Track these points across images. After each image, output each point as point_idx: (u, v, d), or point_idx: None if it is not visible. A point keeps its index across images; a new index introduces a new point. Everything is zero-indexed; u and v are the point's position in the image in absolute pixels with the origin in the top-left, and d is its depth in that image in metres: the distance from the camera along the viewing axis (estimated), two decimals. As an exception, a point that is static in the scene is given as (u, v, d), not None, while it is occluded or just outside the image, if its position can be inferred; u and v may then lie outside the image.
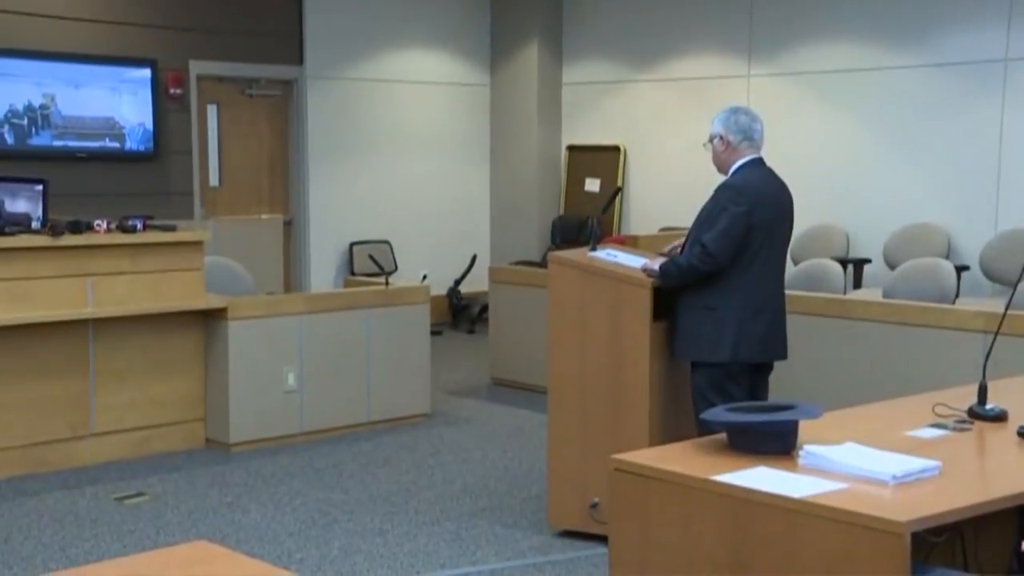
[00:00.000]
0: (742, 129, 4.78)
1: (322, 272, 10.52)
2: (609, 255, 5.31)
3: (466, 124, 11.49)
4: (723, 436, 3.38)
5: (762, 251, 4.79)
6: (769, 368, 5.00)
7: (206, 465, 6.50)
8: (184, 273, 6.61)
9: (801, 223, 9.19)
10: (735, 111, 4.84)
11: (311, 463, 6.57)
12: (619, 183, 10.90)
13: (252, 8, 10.01)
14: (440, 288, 10.66)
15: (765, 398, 4.89)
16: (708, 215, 4.81)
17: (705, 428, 3.78)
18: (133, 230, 6.47)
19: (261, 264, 9.38)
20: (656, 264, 4.97)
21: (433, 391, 7.70)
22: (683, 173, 10.26)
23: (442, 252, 11.15)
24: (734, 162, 4.80)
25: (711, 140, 4.86)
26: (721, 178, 4.92)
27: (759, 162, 4.84)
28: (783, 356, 4.96)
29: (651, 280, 4.97)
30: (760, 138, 4.83)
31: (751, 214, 4.70)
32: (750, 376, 4.89)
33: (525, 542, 5.27)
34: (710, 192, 4.92)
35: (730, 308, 4.76)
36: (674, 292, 4.92)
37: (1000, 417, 3.67)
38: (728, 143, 4.78)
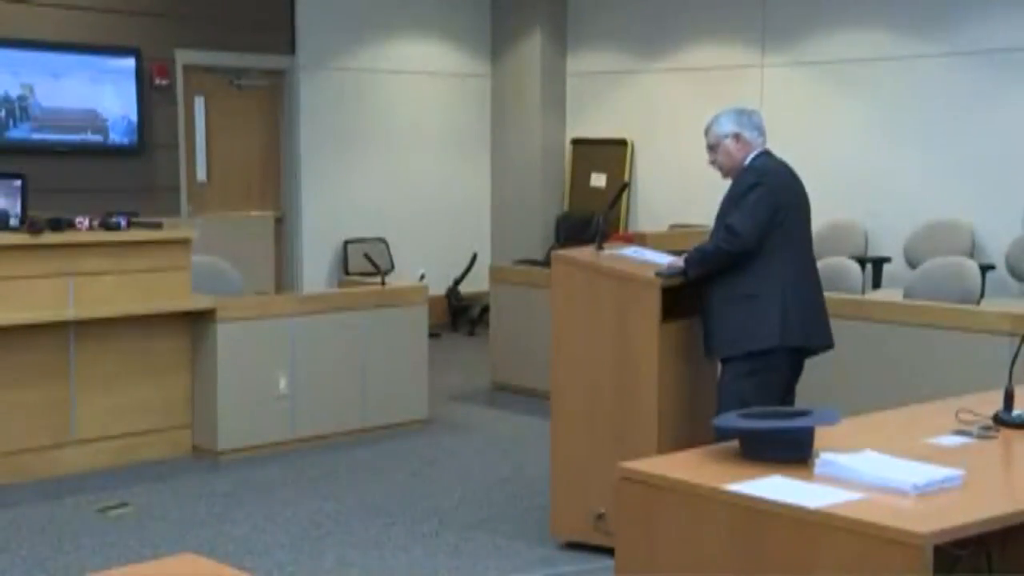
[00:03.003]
0: (756, 125, 4.88)
1: (315, 272, 10.53)
2: (636, 252, 5.31)
3: (466, 116, 11.50)
4: (735, 443, 3.32)
5: (793, 234, 4.81)
6: (801, 366, 4.95)
7: (193, 474, 6.45)
8: (170, 273, 6.59)
9: (817, 220, 9.08)
10: (743, 110, 4.95)
11: (303, 472, 6.53)
12: (626, 178, 10.92)
13: (241, -6, 10.08)
14: (439, 288, 10.64)
15: (792, 401, 4.87)
16: (731, 199, 4.84)
17: (723, 432, 3.67)
18: (117, 228, 6.48)
19: (251, 263, 9.40)
20: (680, 260, 4.97)
21: (431, 396, 7.67)
22: (693, 168, 10.20)
23: (441, 251, 11.13)
24: (746, 158, 4.86)
25: (721, 141, 4.89)
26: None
27: (770, 153, 4.91)
28: (829, 343, 4.95)
29: (660, 280, 4.92)
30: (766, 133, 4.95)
31: (777, 194, 4.76)
32: (790, 369, 4.87)
33: (528, 554, 5.22)
34: (721, 188, 4.96)
35: (771, 293, 4.74)
36: (704, 288, 4.90)
37: (1028, 424, 3.61)
38: (744, 141, 4.84)
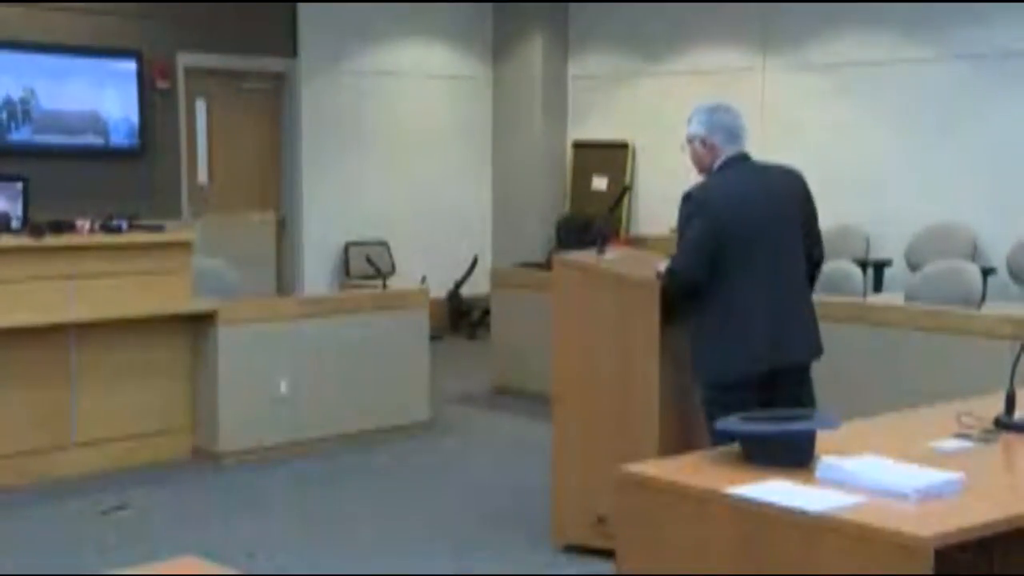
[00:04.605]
0: (725, 128, 4.60)
1: (316, 274, 10.50)
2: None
3: (467, 119, 11.47)
4: (737, 447, 3.29)
5: (747, 256, 4.53)
6: (796, 373, 4.69)
7: (194, 476, 6.44)
8: (171, 275, 6.58)
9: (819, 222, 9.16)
10: (715, 109, 4.65)
11: (304, 474, 6.52)
12: (627, 181, 10.86)
13: (243, -3, 10.04)
14: (440, 291, 10.60)
15: (809, 400, 4.61)
16: (679, 231, 4.65)
17: (719, 440, 3.68)
18: (118, 230, 6.47)
19: (252, 266, 9.39)
20: (662, 266, 4.86)
21: (432, 399, 7.64)
22: (694, 171, 10.11)
23: (442, 253, 11.09)
24: (714, 162, 4.64)
25: (691, 142, 4.67)
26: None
27: (740, 158, 4.64)
28: (804, 357, 4.68)
29: (660, 282, 4.84)
30: (744, 135, 4.65)
31: (718, 223, 4.48)
32: (766, 390, 4.60)
33: (528, 558, 5.21)
34: None
35: (725, 324, 4.53)
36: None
37: (1029, 428, 3.58)
38: (711, 145, 4.60)
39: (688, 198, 4.57)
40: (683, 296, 4.64)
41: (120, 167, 9.30)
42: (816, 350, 4.71)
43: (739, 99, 9.89)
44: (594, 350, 5.05)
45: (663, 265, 4.84)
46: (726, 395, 4.54)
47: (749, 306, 4.51)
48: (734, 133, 4.59)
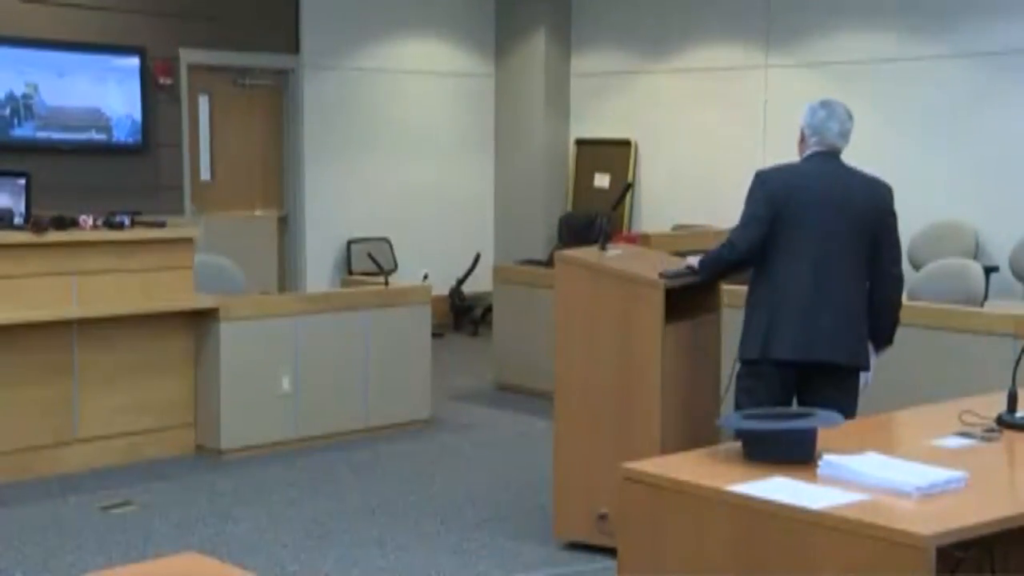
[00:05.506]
0: (815, 125, 4.77)
1: (318, 271, 10.49)
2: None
3: (470, 116, 11.45)
4: (738, 444, 3.32)
5: (797, 245, 4.61)
6: (835, 375, 4.63)
7: (196, 473, 6.44)
8: (173, 272, 6.57)
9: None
10: (821, 105, 4.82)
11: (306, 471, 6.51)
12: (630, 179, 10.85)
13: (246, -6, 10.03)
14: (442, 288, 10.59)
15: (843, 409, 4.41)
16: (744, 206, 4.77)
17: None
18: (120, 226, 6.46)
19: (254, 262, 9.38)
20: (695, 261, 4.97)
21: (434, 396, 7.64)
22: (697, 168, 10.27)
23: (444, 250, 11.08)
24: (803, 153, 4.81)
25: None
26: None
27: (823, 155, 4.75)
28: (833, 358, 4.60)
29: (664, 280, 4.89)
30: (834, 136, 4.75)
31: (773, 203, 4.62)
32: (791, 382, 4.61)
33: (530, 554, 5.21)
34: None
35: (764, 303, 4.63)
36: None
37: (1031, 426, 3.60)
38: (804, 137, 4.80)
39: (755, 176, 4.75)
40: (724, 268, 4.81)
41: (123, 163, 9.27)
42: (852, 356, 4.62)
43: (742, 97, 9.98)
44: (596, 347, 5.05)
45: (695, 260, 4.95)
46: (747, 371, 4.64)
47: (786, 293, 4.59)
48: (821, 131, 4.73)
